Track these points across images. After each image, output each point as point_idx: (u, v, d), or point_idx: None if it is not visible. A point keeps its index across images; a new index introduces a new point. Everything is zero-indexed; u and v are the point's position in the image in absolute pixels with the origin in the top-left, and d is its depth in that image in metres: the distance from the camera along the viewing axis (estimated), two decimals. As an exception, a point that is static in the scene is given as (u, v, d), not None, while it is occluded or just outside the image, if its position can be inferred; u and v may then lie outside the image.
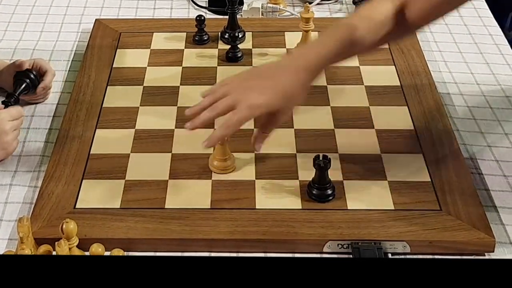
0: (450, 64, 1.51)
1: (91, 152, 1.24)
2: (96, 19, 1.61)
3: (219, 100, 1.13)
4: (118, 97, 1.38)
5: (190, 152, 1.24)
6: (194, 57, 1.49)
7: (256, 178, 1.19)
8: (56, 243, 1.03)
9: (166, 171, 1.20)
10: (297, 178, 1.19)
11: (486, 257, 1.09)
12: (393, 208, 1.14)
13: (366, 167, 1.21)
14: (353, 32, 1.14)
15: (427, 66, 1.46)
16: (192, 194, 1.17)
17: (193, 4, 1.72)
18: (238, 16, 1.56)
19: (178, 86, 1.41)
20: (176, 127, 1.30)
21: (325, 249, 1.09)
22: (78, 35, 1.60)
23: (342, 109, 1.34)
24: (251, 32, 1.56)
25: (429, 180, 1.18)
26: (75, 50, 1.55)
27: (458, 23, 1.65)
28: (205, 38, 1.54)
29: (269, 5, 1.67)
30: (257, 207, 1.14)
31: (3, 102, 1.31)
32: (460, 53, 1.54)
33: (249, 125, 1.29)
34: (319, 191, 1.15)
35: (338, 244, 1.09)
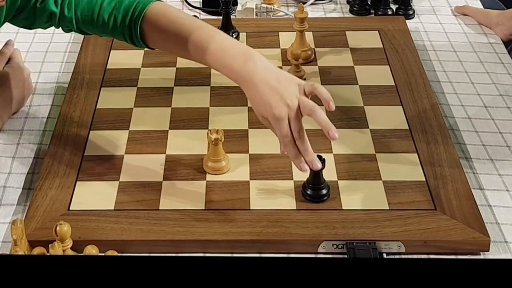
0: (445, 63, 1.51)
1: (85, 154, 1.24)
2: (89, 20, 1.61)
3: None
4: (112, 98, 1.38)
5: (184, 153, 1.24)
6: (188, 58, 1.49)
7: (250, 179, 1.19)
8: (50, 245, 1.02)
9: (160, 173, 1.20)
10: (292, 179, 1.19)
11: (481, 256, 1.09)
12: (387, 208, 1.13)
13: (361, 167, 1.21)
14: None
15: (422, 65, 1.46)
16: (187, 195, 1.16)
17: (187, 4, 1.72)
18: (232, 17, 1.56)
19: (172, 87, 1.40)
20: (170, 128, 1.30)
21: (319, 249, 1.09)
22: (72, 36, 1.60)
23: (336, 109, 1.32)
24: (245, 33, 1.56)
25: (424, 179, 1.18)
26: (69, 52, 1.54)
27: (452, 22, 1.65)
28: (199, 39, 1.53)
29: (263, 5, 1.67)
30: (251, 208, 1.14)
31: None
32: (454, 52, 1.54)
33: (244, 125, 1.30)
34: (314, 191, 1.15)
35: (333, 244, 1.08)
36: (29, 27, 1.33)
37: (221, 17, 1.54)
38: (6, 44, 1.44)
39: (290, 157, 1.12)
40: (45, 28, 1.33)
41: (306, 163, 1.11)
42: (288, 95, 1.10)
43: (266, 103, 1.10)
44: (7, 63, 1.39)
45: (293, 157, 1.11)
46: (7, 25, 1.63)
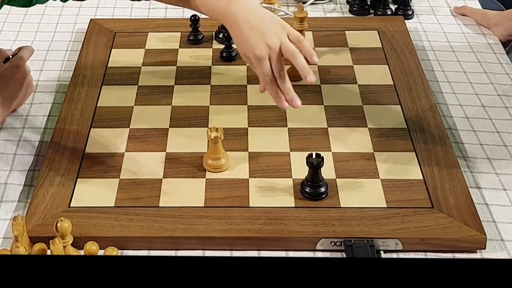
0: (443, 63, 1.52)
1: (85, 151, 1.25)
2: (91, 19, 1.62)
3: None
4: (113, 96, 1.39)
5: (184, 151, 1.25)
6: (188, 57, 1.50)
7: (249, 177, 1.20)
8: (50, 241, 1.03)
9: (160, 170, 1.21)
10: (291, 177, 1.20)
11: (478, 253, 1.10)
12: (385, 205, 1.14)
13: (359, 165, 1.22)
14: None
15: (420, 65, 1.47)
16: (186, 193, 1.17)
17: (188, 4, 1.72)
18: (232, 16, 1.56)
19: (173, 86, 1.41)
20: (170, 126, 1.30)
21: (318, 247, 1.10)
22: (73, 35, 1.61)
23: (335, 108, 1.35)
24: (245, 32, 1.56)
25: (422, 178, 1.19)
26: (70, 50, 1.55)
27: (451, 23, 1.66)
28: (200, 38, 1.54)
29: (263, 5, 1.68)
30: (250, 205, 1.15)
31: None
32: (453, 52, 1.55)
33: (243, 123, 1.31)
34: (312, 189, 1.16)
35: (331, 242, 1.09)
36: (29, 4, 1.34)
37: (221, 17, 1.55)
38: (21, 48, 1.43)
39: (270, 94, 1.16)
40: (44, 3, 1.35)
41: (287, 101, 1.15)
42: (269, 35, 1.13)
43: (247, 42, 1.14)
44: (6, 60, 1.40)
45: (273, 95, 1.16)
46: (8, 24, 1.65)
